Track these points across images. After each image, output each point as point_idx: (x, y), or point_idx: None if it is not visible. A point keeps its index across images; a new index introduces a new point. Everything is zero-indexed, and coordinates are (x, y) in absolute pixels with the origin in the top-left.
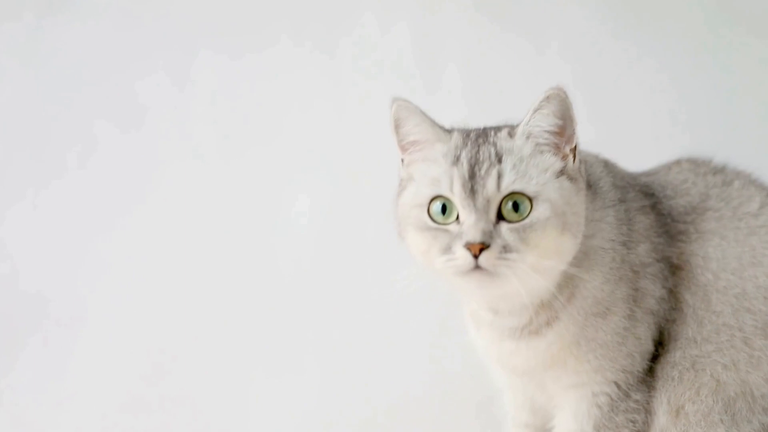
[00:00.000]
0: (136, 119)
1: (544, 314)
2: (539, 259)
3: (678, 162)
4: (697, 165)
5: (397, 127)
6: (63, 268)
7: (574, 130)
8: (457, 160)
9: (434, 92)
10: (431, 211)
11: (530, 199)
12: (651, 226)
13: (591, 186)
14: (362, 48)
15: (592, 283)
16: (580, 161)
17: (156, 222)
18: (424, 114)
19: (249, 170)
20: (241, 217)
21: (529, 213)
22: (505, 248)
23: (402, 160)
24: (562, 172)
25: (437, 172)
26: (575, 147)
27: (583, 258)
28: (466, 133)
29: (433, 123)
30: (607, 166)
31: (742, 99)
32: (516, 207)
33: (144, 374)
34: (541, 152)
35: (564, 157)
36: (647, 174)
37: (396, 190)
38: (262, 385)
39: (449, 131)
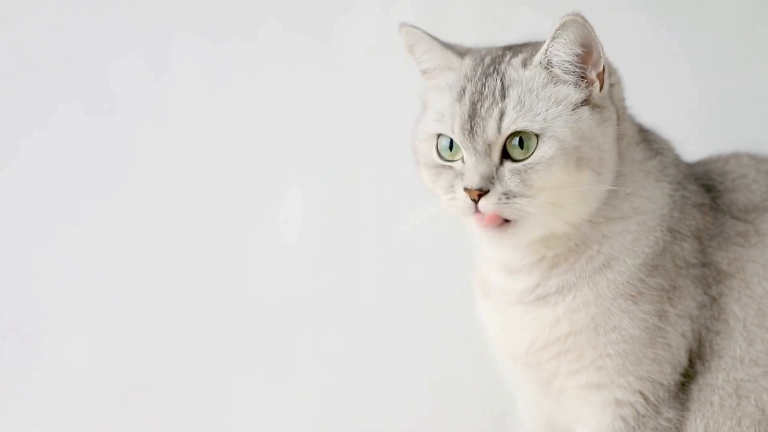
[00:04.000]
0: (105, 108)
1: (559, 277)
2: (552, 199)
3: (736, 155)
4: (758, 161)
5: (411, 54)
6: (18, 273)
7: (600, 53)
8: (461, 94)
9: None
10: (439, 147)
11: (537, 135)
12: (705, 227)
13: (652, 147)
14: (360, 29)
15: (633, 261)
16: (611, 85)
17: (128, 222)
18: (434, 40)
19: (234, 166)
20: (225, 217)
21: (533, 151)
22: (507, 194)
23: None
24: (585, 102)
25: (443, 106)
26: (603, 71)
27: (624, 219)
28: (479, 59)
29: (444, 48)
30: (674, 150)
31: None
32: (522, 143)
33: (117, 394)
34: (556, 83)
35: (589, 84)
36: (702, 164)
37: (416, 117)
38: (252, 402)
39: (463, 55)
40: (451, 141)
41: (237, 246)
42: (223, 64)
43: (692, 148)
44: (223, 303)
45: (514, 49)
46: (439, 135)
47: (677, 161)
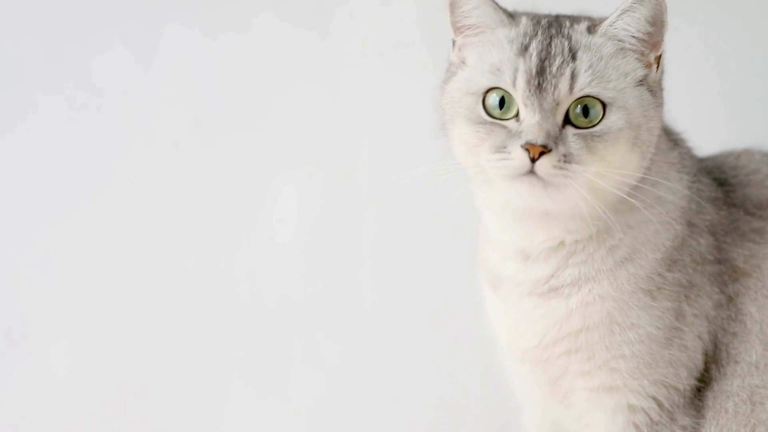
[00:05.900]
0: (90, 102)
1: (575, 267)
2: (602, 173)
3: (748, 151)
4: None
5: (453, 6)
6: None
7: (663, 36)
8: (524, 49)
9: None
10: (487, 103)
11: (604, 105)
12: (720, 222)
13: (671, 138)
14: (359, 20)
15: (654, 255)
16: (663, 72)
17: (115, 221)
18: None
19: (227, 162)
20: (217, 216)
21: (600, 120)
22: (566, 157)
23: (453, 42)
24: (642, 82)
25: (498, 60)
26: (660, 55)
27: (647, 209)
28: (536, 20)
29: (497, 7)
30: (686, 142)
31: None
32: (586, 112)
33: (106, 398)
34: (624, 55)
35: (647, 65)
36: (712, 158)
37: (443, 76)
38: (243, 409)
39: (514, 16)
40: (502, 98)
41: (229, 245)
42: (215, 56)
43: (700, 145)
44: (214, 305)
45: (568, 17)
46: (489, 90)
47: (691, 153)
